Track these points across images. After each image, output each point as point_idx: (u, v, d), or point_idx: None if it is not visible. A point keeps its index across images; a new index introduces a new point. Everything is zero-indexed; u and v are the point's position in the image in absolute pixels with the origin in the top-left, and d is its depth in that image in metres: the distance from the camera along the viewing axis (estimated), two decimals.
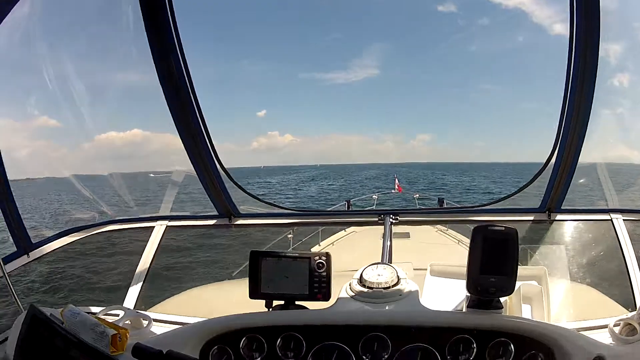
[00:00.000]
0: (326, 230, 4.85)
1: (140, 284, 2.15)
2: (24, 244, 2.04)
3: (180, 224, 2.49)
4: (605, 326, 1.55)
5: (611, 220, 2.19)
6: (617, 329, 1.47)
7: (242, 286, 1.65)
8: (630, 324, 1.45)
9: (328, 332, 1.47)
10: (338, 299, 1.56)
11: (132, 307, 1.97)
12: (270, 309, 1.57)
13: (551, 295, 1.88)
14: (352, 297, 1.55)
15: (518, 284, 1.90)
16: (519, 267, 1.40)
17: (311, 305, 1.57)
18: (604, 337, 1.45)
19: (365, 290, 1.55)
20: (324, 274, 1.54)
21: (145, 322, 1.70)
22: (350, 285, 1.60)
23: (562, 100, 1.93)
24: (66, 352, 1.27)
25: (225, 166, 2.38)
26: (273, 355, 1.48)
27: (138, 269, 2.22)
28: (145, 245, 2.36)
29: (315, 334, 1.47)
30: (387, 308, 1.50)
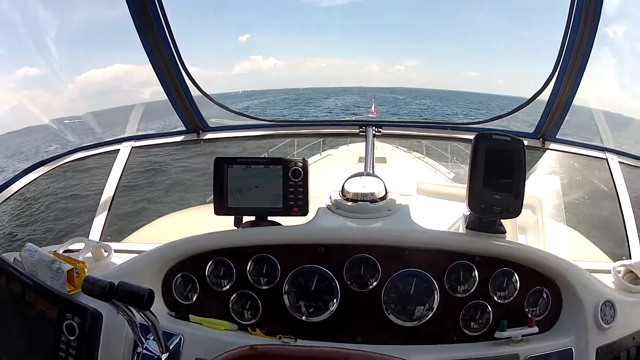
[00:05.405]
0: (299, 154, 4.58)
1: (105, 213, 1.94)
2: None
3: (146, 143, 2.24)
4: (602, 271, 1.47)
5: (607, 159, 2.06)
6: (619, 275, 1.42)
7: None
8: (632, 272, 1.42)
9: (306, 254, 1.26)
10: (317, 213, 1.34)
11: (97, 240, 1.79)
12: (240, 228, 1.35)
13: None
14: (333, 211, 1.34)
15: None
16: None
17: (286, 221, 1.35)
18: (605, 281, 1.35)
19: (349, 203, 1.33)
20: (301, 183, 1.30)
21: (106, 254, 1.55)
22: (330, 198, 1.38)
23: (567, 17, 1.71)
24: (22, 297, 1.26)
25: (207, 92, 2.17)
26: (243, 283, 1.28)
27: (102, 198, 2.00)
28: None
29: (291, 256, 1.27)
30: (374, 225, 1.29)
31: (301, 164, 1.32)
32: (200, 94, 2.13)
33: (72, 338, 1.19)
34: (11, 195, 1.98)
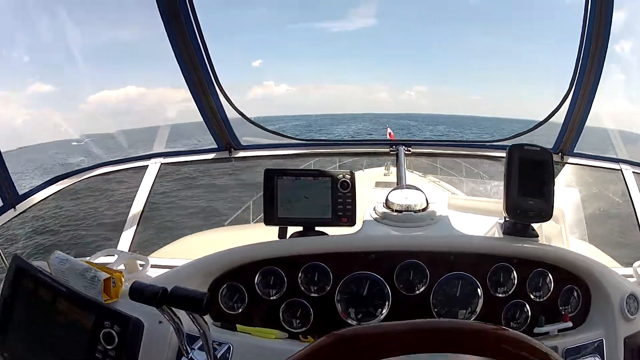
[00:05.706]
0: None
1: (134, 227, 1.96)
2: (10, 197, 1.82)
3: (176, 160, 2.26)
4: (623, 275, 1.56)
5: (621, 170, 2.18)
6: None
7: (244, 230, 1.49)
8: None
9: (356, 262, 1.32)
10: (363, 224, 1.42)
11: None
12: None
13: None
14: (379, 221, 1.43)
15: None
16: None
17: (332, 231, 1.41)
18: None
19: (394, 213, 1.42)
20: (349, 194, 1.38)
21: (141, 266, 1.55)
22: (375, 209, 1.47)
23: (580, 36, 1.88)
24: (53, 304, 1.22)
25: None
26: (294, 291, 1.31)
27: (131, 212, 2.02)
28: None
29: (341, 264, 1.32)
30: (421, 233, 1.39)
31: (349, 176, 1.40)
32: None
33: (109, 347, 1.16)
34: (30, 207, 1.97)
